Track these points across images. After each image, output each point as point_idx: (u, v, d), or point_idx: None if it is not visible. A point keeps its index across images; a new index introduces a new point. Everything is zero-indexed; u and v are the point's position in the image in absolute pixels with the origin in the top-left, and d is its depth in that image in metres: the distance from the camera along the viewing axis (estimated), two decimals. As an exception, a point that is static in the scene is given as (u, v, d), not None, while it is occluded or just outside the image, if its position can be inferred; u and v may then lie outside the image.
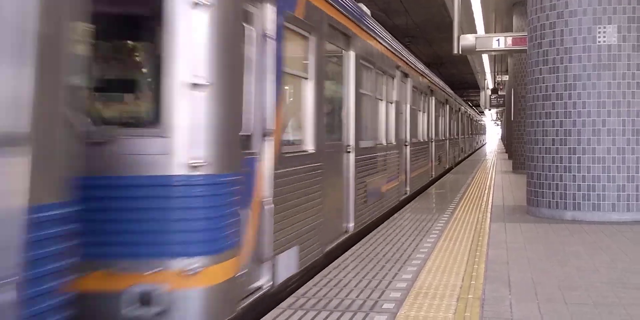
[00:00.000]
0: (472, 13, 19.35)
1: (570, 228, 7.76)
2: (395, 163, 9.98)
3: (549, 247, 6.49)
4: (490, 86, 36.72)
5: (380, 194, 8.61)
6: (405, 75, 11.22)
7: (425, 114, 14.28)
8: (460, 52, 13.47)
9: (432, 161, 15.42)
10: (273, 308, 4.28)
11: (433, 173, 15.61)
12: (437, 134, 16.51)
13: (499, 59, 29.94)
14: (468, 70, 38.23)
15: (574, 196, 8.44)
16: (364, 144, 7.61)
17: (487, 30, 22.52)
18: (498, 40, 13.08)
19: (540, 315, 4.09)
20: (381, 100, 9.08)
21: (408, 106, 11.42)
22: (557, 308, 4.26)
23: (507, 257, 5.94)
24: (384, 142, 9.16)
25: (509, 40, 13.03)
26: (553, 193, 8.62)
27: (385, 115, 9.27)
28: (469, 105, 43.20)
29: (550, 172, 8.67)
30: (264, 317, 4.07)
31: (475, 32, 21.65)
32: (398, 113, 10.25)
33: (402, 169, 10.74)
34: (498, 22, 22.41)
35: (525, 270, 5.38)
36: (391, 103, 9.80)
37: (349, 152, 6.92)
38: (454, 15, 13.68)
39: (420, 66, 13.52)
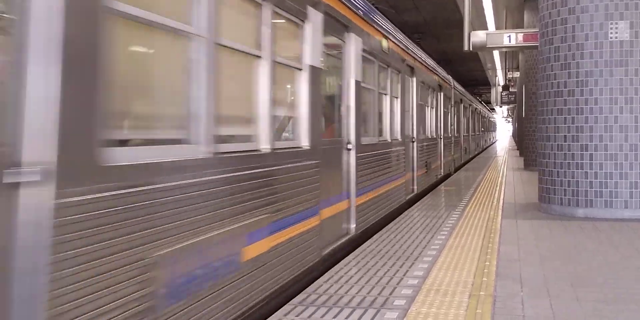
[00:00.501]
0: (482, 9, 19.30)
1: (582, 225, 7.73)
2: (311, 185, 5.32)
3: (561, 244, 6.47)
4: (501, 83, 36.61)
5: (252, 261, 4.07)
6: (344, 26, 6.69)
7: (399, 102, 9.87)
8: (471, 49, 13.41)
9: (413, 170, 11.21)
10: None
11: (415, 187, 11.26)
12: (424, 131, 12.64)
13: (510, 55, 29.84)
14: (478, 67, 38.08)
15: (586, 193, 8.41)
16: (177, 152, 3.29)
17: (497, 27, 22.46)
18: (509, 36, 13.03)
19: (552, 312, 4.08)
20: (290, 66, 5.11)
21: (352, 82, 6.89)
22: (569, 305, 4.25)
23: (518, 254, 5.93)
24: (290, 145, 5.02)
25: (520, 37, 12.97)
26: (565, 190, 8.59)
27: (276, 94, 4.71)
28: (477, 99, 42.04)
29: (562, 168, 8.63)
30: (275, 313, 4.09)
31: (485, 28, 21.59)
32: (318, 90, 5.65)
33: (337, 190, 6.42)
34: (509, 18, 22.33)
35: (537, 267, 5.37)
36: (317, 75, 5.60)
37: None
38: (465, 11, 13.63)
39: (388, 26, 9.00)
